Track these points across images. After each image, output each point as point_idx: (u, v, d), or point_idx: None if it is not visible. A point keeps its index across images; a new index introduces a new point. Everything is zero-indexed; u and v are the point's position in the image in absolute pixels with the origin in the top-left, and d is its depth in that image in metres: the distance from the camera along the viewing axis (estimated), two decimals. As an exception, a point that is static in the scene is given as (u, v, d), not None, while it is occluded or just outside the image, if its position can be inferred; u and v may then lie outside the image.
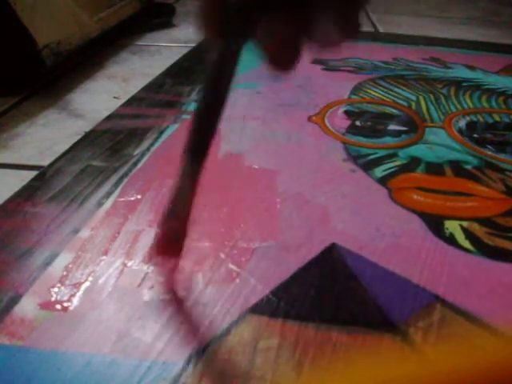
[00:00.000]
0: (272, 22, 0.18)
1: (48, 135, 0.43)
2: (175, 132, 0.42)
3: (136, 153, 0.39)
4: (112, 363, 0.21)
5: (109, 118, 0.45)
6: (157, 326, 0.23)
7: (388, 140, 0.42)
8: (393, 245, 0.30)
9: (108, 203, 0.32)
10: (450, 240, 0.30)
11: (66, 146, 0.40)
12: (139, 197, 0.33)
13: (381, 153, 0.40)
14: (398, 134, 0.43)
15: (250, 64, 0.60)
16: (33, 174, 0.36)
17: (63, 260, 0.27)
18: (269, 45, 0.19)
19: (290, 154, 0.39)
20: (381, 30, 0.84)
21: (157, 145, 0.40)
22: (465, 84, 0.56)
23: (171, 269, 0.26)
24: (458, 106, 0.50)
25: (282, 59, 0.20)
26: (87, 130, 0.43)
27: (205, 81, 0.22)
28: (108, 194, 0.33)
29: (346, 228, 0.31)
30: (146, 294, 0.25)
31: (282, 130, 0.43)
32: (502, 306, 0.25)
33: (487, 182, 0.36)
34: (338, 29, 0.18)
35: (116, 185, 0.34)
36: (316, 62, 0.62)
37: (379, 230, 0.31)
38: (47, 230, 0.29)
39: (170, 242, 0.25)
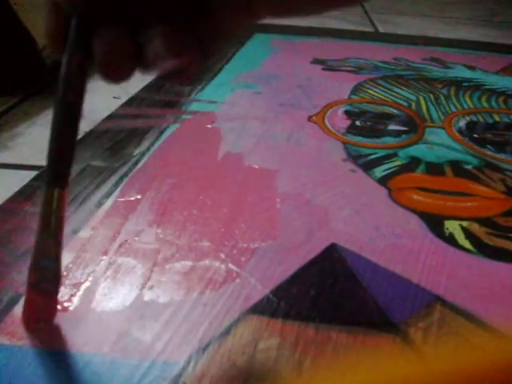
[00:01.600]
0: (104, 33, 0.19)
1: (48, 135, 0.43)
2: (175, 132, 0.42)
3: (136, 153, 0.39)
4: (112, 363, 0.21)
5: (109, 118, 0.45)
6: (157, 325, 0.23)
7: (388, 140, 0.42)
8: (393, 245, 0.30)
9: (108, 203, 0.32)
10: (450, 240, 0.30)
11: (66, 146, 0.40)
12: (139, 197, 0.33)
13: (381, 153, 0.40)
14: (398, 133, 0.43)
15: (250, 64, 0.60)
16: (33, 174, 0.36)
17: (63, 260, 0.27)
18: (100, 57, 0.19)
19: (290, 154, 0.39)
20: (381, 30, 0.84)
21: (157, 145, 0.40)
22: (465, 84, 0.56)
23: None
24: (458, 106, 0.50)
25: (112, 70, 0.19)
26: (87, 130, 0.43)
27: (56, 95, 0.21)
28: (108, 194, 0.33)
29: (346, 228, 0.31)
30: (146, 294, 0.25)
31: (281, 130, 0.43)
32: (502, 306, 0.25)
33: (487, 182, 0.36)
34: (167, 52, 0.18)
35: (116, 185, 0.34)
36: (316, 61, 0.62)
37: (379, 229, 0.31)
38: (47, 230, 0.29)
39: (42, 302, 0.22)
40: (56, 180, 0.22)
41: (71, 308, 0.24)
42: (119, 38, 0.19)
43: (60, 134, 0.22)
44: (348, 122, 0.45)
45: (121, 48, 0.19)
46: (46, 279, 0.21)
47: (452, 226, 0.31)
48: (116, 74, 0.19)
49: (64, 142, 0.22)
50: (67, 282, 0.26)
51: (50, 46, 0.20)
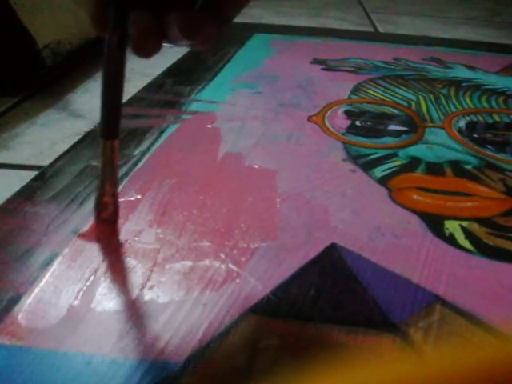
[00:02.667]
0: (135, 17, 0.23)
1: (48, 135, 0.43)
2: (175, 132, 0.42)
3: (136, 153, 0.39)
4: (112, 363, 0.21)
5: (109, 118, 0.45)
6: (157, 325, 0.23)
7: (388, 140, 0.42)
8: (393, 245, 0.30)
9: (62, 261, 0.32)
10: (450, 240, 0.30)
11: (66, 146, 0.40)
12: (139, 197, 0.33)
13: (381, 153, 0.40)
14: (397, 134, 0.43)
15: (250, 64, 0.60)
16: (33, 174, 0.36)
17: (63, 260, 0.27)
18: (133, 35, 0.23)
19: (290, 154, 0.39)
20: (381, 30, 0.84)
21: (157, 145, 0.40)
22: (465, 84, 0.56)
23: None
24: (458, 106, 0.50)
25: (142, 47, 0.23)
26: (87, 129, 0.43)
27: (102, 67, 0.27)
28: (108, 194, 0.33)
29: (346, 228, 0.31)
30: (146, 294, 0.25)
31: (281, 130, 0.43)
32: (501, 306, 0.25)
33: (487, 182, 0.36)
34: (183, 30, 0.22)
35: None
36: (316, 61, 0.62)
37: (379, 229, 0.31)
38: (47, 230, 0.29)
39: (108, 214, 0.29)
40: (109, 133, 0.27)
41: (71, 308, 0.24)
42: (147, 21, 0.23)
43: (107, 97, 0.27)
44: (348, 122, 0.45)
45: (148, 29, 0.23)
46: (107, 211, 0.29)
47: (452, 226, 0.31)
48: (145, 49, 0.23)
49: (112, 104, 0.27)
50: (68, 281, 0.26)
51: (94, 27, 0.25)
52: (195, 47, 0.24)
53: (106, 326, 0.23)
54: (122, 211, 0.31)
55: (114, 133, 0.27)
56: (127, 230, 0.30)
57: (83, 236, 0.29)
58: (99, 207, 0.29)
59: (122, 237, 0.29)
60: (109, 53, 0.26)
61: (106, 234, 0.29)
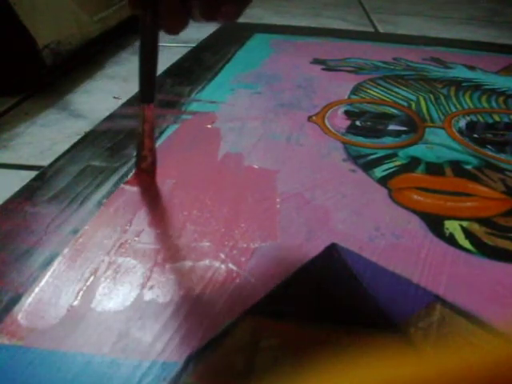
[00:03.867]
0: (164, 2, 0.27)
1: (48, 135, 0.43)
2: (175, 132, 0.42)
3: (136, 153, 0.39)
4: (112, 363, 0.21)
5: (109, 118, 0.45)
6: (157, 325, 0.23)
7: (388, 140, 0.42)
8: (393, 245, 0.30)
9: (108, 203, 0.32)
10: (450, 240, 0.30)
11: (66, 146, 0.40)
12: (139, 197, 0.33)
13: (381, 153, 0.40)
14: (397, 134, 0.44)
15: (250, 64, 0.60)
16: (33, 174, 0.36)
17: (63, 260, 0.27)
18: (163, 14, 0.28)
19: (290, 154, 0.39)
20: (381, 30, 0.84)
21: (157, 145, 0.40)
22: (465, 84, 0.56)
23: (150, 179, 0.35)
24: (458, 106, 0.50)
25: (170, 25, 0.28)
26: (87, 130, 0.43)
27: (139, 44, 0.31)
28: (108, 194, 0.33)
29: (346, 228, 0.31)
30: (146, 294, 0.25)
31: (281, 130, 0.43)
32: (502, 306, 0.25)
33: (487, 182, 0.36)
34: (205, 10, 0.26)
35: (116, 185, 0.34)
36: (316, 61, 0.62)
37: (379, 229, 0.31)
38: (47, 230, 0.29)
39: (148, 166, 0.35)
40: (147, 98, 0.33)
41: (71, 308, 0.24)
42: (175, 3, 0.27)
43: (144, 67, 0.32)
44: (348, 122, 0.45)
45: (176, 9, 0.27)
46: (146, 162, 0.34)
47: (452, 226, 0.31)
48: (173, 27, 0.28)
49: (148, 73, 0.32)
50: (67, 281, 0.26)
51: (130, 7, 0.30)
52: (218, 23, 0.29)
53: (105, 325, 0.23)
54: (122, 211, 0.31)
55: (151, 97, 0.33)
56: (127, 230, 0.30)
57: (128, 183, 0.34)
58: (140, 160, 0.34)
59: (122, 237, 0.29)
60: (143, 29, 0.30)
61: (147, 182, 0.35)
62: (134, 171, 0.36)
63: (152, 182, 0.35)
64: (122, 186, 0.34)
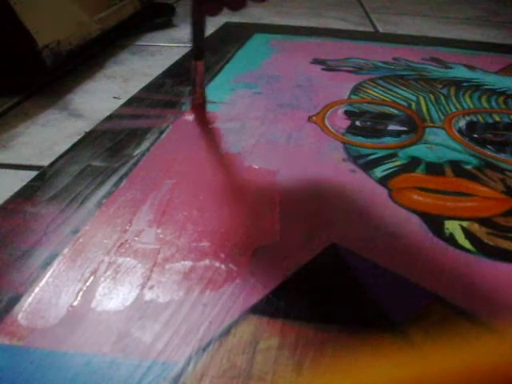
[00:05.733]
0: None
1: (48, 135, 0.43)
2: (175, 132, 0.42)
3: (136, 153, 0.39)
4: (112, 363, 0.21)
5: (109, 118, 0.45)
6: (157, 325, 0.23)
7: (388, 140, 0.42)
8: (393, 245, 0.30)
9: (108, 203, 0.32)
10: (450, 240, 0.30)
11: (66, 146, 0.40)
12: (139, 197, 0.33)
13: (381, 153, 0.40)
14: (397, 134, 0.44)
15: (250, 64, 0.60)
16: (33, 174, 0.36)
17: (63, 260, 0.27)
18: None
19: (290, 154, 0.39)
20: (381, 30, 0.84)
21: (157, 145, 0.40)
22: (465, 84, 0.56)
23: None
24: (458, 106, 0.50)
25: (207, 9, 0.38)
26: (87, 129, 0.43)
27: (190, 17, 0.42)
28: (108, 194, 0.33)
29: (346, 228, 0.31)
30: (146, 294, 0.25)
31: (281, 130, 0.43)
32: (502, 306, 0.25)
33: (487, 182, 0.36)
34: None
35: (116, 185, 0.34)
36: (316, 61, 0.62)
37: (379, 229, 0.31)
38: (47, 230, 0.29)
39: (199, 102, 0.47)
40: (199, 56, 0.44)
41: (71, 308, 0.24)
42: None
43: (196, 33, 0.43)
44: (348, 122, 0.45)
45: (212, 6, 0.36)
46: (198, 100, 0.47)
47: (452, 226, 0.31)
48: (210, 10, 0.37)
49: (199, 37, 0.43)
50: (68, 281, 0.26)
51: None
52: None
53: (105, 325, 0.23)
54: (122, 211, 0.31)
55: (202, 56, 0.44)
56: (127, 230, 0.30)
57: (188, 113, 0.46)
58: (193, 98, 0.47)
59: (122, 237, 0.29)
60: (193, 9, 0.41)
61: (199, 116, 0.46)
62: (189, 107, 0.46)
63: (203, 117, 0.45)
64: (184, 115, 0.45)
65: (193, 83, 0.46)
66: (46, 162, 0.37)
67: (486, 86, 0.56)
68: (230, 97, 0.50)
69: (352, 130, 0.44)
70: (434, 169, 0.38)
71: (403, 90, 0.53)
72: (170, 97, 0.50)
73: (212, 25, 0.81)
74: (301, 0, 1.03)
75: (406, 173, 0.37)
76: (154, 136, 0.41)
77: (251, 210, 0.32)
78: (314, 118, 0.46)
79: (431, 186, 0.36)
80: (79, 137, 0.42)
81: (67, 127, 0.44)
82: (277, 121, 0.45)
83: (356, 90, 0.53)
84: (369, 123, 0.45)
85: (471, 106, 0.50)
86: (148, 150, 0.39)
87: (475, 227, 0.31)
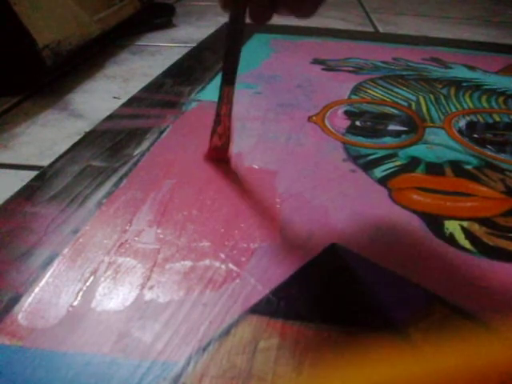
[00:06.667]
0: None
1: (48, 135, 0.43)
2: (175, 132, 0.42)
3: (136, 153, 0.39)
4: (112, 363, 0.21)
5: (109, 118, 0.45)
6: (157, 325, 0.23)
7: (388, 140, 0.42)
8: (393, 245, 0.30)
9: (108, 203, 0.32)
10: (450, 240, 0.30)
11: (66, 146, 0.40)
12: (139, 197, 0.33)
13: (381, 153, 0.40)
14: (397, 134, 0.43)
15: (250, 64, 0.60)
16: (33, 174, 0.36)
17: (63, 260, 0.27)
18: (251, 9, 0.31)
19: (290, 154, 0.39)
20: (381, 30, 0.84)
21: (157, 145, 0.40)
22: (465, 84, 0.56)
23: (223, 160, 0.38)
24: (458, 106, 0.50)
25: (258, 17, 0.31)
26: (87, 129, 0.43)
27: (226, 32, 0.34)
28: (108, 194, 0.33)
29: (346, 228, 0.31)
30: (146, 294, 0.25)
31: (281, 130, 0.43)
32: (502, 306, 0.25)
33: (487, 182, 0.36)
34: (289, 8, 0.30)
35: (116, 185, 0.34)
36: (316, 61, 0.62)
37: (379, 229, 0.31)
38: (47, 230, 0.29)
39: (221, 145, 0.37)
40: (228, 81, 0.36)
41: (71, 308, 0.24)
42: (261, 2, 0.30)
43: (228, 53, 0.35)
44: (348, 122, 0.45)
45: (262, 6, 0.31)
46: (221, 141, 0.37)
47: (452, 226, 0.31)
48: (259, 18, 0.31)
49: (231, 59, 0.36)
50: (68, 282, 0.26)
51: (221, 5, 0.32)
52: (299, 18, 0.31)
53: (105, 325, 0.23)
54: (122, 211, 0.31)
55: (233, 81, 0.37)
56: (127, 229, 0.30)
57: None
58: (214, 137, 0.37)
59: (122, 237, 0.29)
60: (232, 19, 0.33)
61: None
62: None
63: (226, 158, 0.38)
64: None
65: (217, 114, 0.37)
66: (45, 162, 0.37)
67: (486, 86, 0.56)
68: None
69: (352, 129, 0.44)
70: (434, 169, 0.38)
71: (403, 89, 0.53)
72: (170, 97, 0.50)
73: (212, 25, 0.81)
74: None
75: (406, 173, 0.37)
76: (154, 136, 0.41)
77: (251, 210, 0.32)
78: (313, 118, 0.46)
79: (431, 186, 0.36)
80: (79, 137, 0.42)
81: (67, 127, 0.44)
82: (277, 121, 0.45)
83: (356, 89, 0.53)
84: (369, 123, 0.45)
85: (471, 106, 0.50)
86: (148, 149, 0.39)
87: (475, 227, 0.31)
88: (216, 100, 0.49)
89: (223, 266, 0.27)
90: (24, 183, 0.34)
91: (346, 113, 0.47)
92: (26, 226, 0.30)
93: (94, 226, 0.30)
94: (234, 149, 0.40)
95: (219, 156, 0.38)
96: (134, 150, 0.39)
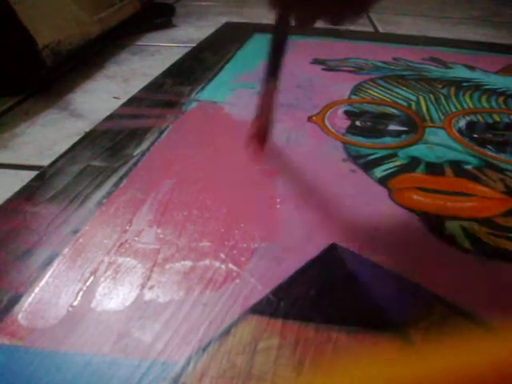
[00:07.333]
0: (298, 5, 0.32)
1: (48, 135, 0.43)
2: (175, 132, 0.42)
3: (136, 153, 0.39)
4: (112, 363, 0.21)
5: (109, 118, 0.45)
6: (157, 325, 0.23)
7: (388, 140, 0.42)
8: (393, 245, 0.30)
9: (108, 203, 0.32)
10: (450, 240, 0.30)
11: (66, 146, 0.40)
12: (139, 197, 0.33)
13: (381, 153, 0.40)
14: (397, 134, 0.43)
15: (250, 64, 0.60)
16: (33, 174, 0.36)
17: (63, 260, 0.27)
18: (296, 15, 0.32)
19: (290, 154, 0.39)
20: (381, 30, 0.84)
21: (157, 145, 0.40)
22: (465, 84, 0.56)
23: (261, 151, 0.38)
24: (458, 106, 0.50)
25: (302, 23, 0.32)
26: (87, 129, 0.43)
27: (272, 32, 0.36)
28: (108, 194, 0.33)
29: (346, 228, 0.31)
30: (146, 294, 0.25)
31: (281, 130, 0.43)
32: (501, 306, 0.25)
33: (487, 182, 0.36)
34: (332, 19, 0.30)
35: (116, 185, 0.34)
36: (316, 61, 0.62)
37: (379, 230, 0.31)
38: (47, 230, 0.29)
39: (259, 136, 0.38)
40: (271, 76, 0.36)
41: (71, 308, 0.24)
42: (305, 14, 0.31)
43: (273, 54, 0.36)
44: (348, 122, 0.45)
45: (307, 12, 0.31)
46: (264, 132, 0.38)
47: (452, 226, 0.31)
48: (303, 23, 0.32)
49: (276, 57, 0.36)
50: (68, 282, 0.26)
51: (270, 4, 0.33)
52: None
53: (105, 325, 0.23)
54: (122, 211, 0.31)
55: (277, 75, 0.36)
56: (127, 230, 0.30)
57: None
58: (254, 131, 0.38)
59: (122, 237, 0.29)
60: (277, 26, 0.35)
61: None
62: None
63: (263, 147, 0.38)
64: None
65: (258, 108, 0.37)
66: (46, 162, 0.37)
67: (486, 86, 0.56)
68: (229, 97, 0.50)
69: (352, 130, 0.44)
70: (434, 169, 0.38)
71: (403, 89, 0.53)
72: (170, 97, 0.50)
73: (212, 25, 0.81)
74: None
75: (406, 173, 0.37)
76: (154, 136, 0.41)
77: (251, 210, 0.32)
78: (314, 118, 0.46)
79: (431, 186, 0.36)
80: (79, 137, 0.42)
81: (67, 127, 0.44)
82: (277, 121, 0.45)
83: (356, 89, 0.53)
84: (369, 123, 0.45)
85: (471, 106, 0.50)
86: (148, 149, 0.39)
87: (475, 227, 0.31)
88: (216, 100, 0.50)
89: (223, 266, 0.27)
90: (24, 183, 0.34)
91: (346, 113, 0.47)
92: (26, 226, 0.30)
93: (94, 225, 0.30)
94: (234, 149, 0.40)
95: (257, 145, 0.38)
96: (134, 150, 0.39)
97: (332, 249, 0.29)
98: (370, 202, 0.34)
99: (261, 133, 0.38)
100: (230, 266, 0.27)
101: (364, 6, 0.31)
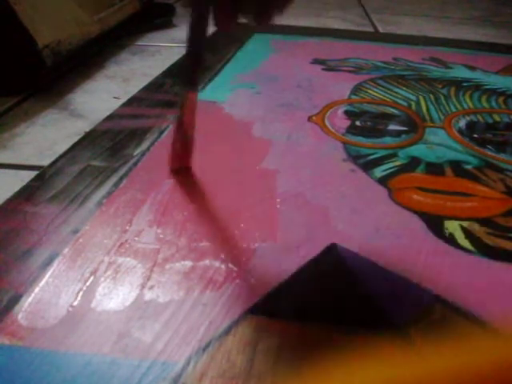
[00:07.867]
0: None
1: (48, 135, 0.43)
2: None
3: (136, 153, 0.39)
4: (112, 363, 0.21)
5: (109, 118, 0.45)
6: (157, 325, 0.23)
7: (388, 140, 0.42)
8: (393, 245, 0.30)
9: (108, 203, 0.32)
10: (450, 240, 0.30)
11: (66, 146, 0.40)
12: (139, 197, 0.33)
13: (381, 153, 0.40)
14: (397, 134, 0.43)
15: (250, 64, 0.60)
16: (33, 174, 0.36)
17: (63, 260, 0.27)
18: (215, 12, 0.29)
19: (290, 154, 0.39)
20: (381, 30, 0.84)
21: (157, 145, 0.40)
22: (465, 84, 0.56)
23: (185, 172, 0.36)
24: (458, 106, 0.50)
25: (222, 22, 0.29)
26: (87, 129, 0.43)
27: (188, 33, 0.32)
28: (108, 194, 0.33)
29: (346, 228, 0.31)
30: (146, 294, 0.25)
31: (281, 130, 0.43)
32: (501, 306, 0.25)
33: (487, 182, 0.36)
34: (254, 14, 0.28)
35: (116, 185, 0.34)
36: (316, 61, 0.62)
37: (379, 229, 0.31)
38: (47, 230, 0.29)
39: (181, 154, 0.35)
40: (189, 85, 0.33)
41: (71, 308, 0.24)
42: (224, 4, 0.28)
43: (190, 57, 0.33)
44: (348, 122, 0.45)
45: (226, 11, 0.28)
46: (184, 150, 0.35)
47: (452, 226, 0.31)
48: (224, 24, 0.29)
49: (194, 62, 0.33)
50: (67, 282, 0.26)
51: (185, 4, 0.30)
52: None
53: (105, 325, 0.23)
54: (122, 211, 0.31)
55: (195, 85, 0.34)
56: (127, 229, 0.30)
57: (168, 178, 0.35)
58: (175, 146, 0.35)
59: (122, 237, 0.29)
60: (192, 23, 0.32)
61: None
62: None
63: (187, 164, 0.36)
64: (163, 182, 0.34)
65: (178, 122, 0.34)
66: (46, 162, 0.37)
67: (486, 86, 0.56)
68: (230, 97, 0.50)
69: (352, 129, 0.44)
70: (434, 169, 0.38)
71: (403, 89, 0.53)
72: (170, 97, 0.50)
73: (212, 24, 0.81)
74: (301, 0, 1.03)
75: (406, 173, 0.37)
76: (154, 136, 0.41)
77: (251, 209, 0.32)
78: (313, 118, 0.46)
79: (431, 186, 0.36)
80: (79, 137, 0.42)
81: (67, 127, 0.44)
82: (277, 121, 0.45)
83: (356, 89, 0.53)
84: (369, 123, 0.45)
85: (471, 105, 0.50)
86: (148, 149, 0.39)
87: (475, 227, 0.31)
88: (216, 100, 0.50)
89: (223, 266, 0.27)
90: (24, 183, 0.34)
91: (346, 113, 0.47)
92: (26, 226, 0.30)
93: (94, 225, 0.30)
94: (234, 149, 0.40)
95: (181, 165, 0.35)
96: (134, 150, 0.39)
97: (332, 249, 0.29)
98: (369, 202, 0.34)
99: (182, 148, 0.35)
100: (230, 265, 0.27)
101: (286, 0, 0.28)
